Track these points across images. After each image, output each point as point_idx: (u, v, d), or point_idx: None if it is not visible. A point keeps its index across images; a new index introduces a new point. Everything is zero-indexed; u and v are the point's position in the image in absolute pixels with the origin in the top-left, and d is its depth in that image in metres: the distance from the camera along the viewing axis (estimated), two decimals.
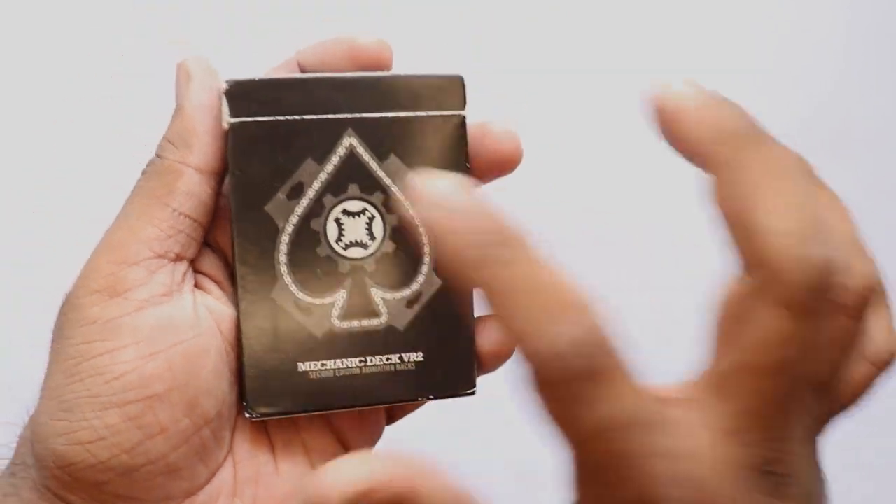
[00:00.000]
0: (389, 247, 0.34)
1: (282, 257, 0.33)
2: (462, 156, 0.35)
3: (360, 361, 0.34)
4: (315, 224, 0.33)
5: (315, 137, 0.33)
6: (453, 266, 0.23)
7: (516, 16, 0.63)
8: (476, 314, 0.35)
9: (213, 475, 0.33)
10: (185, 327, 0.31)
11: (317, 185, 0.33)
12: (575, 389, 0.25)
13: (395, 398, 0.34)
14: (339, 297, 0.34)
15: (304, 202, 0.33)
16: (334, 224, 0.33)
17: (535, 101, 0.63)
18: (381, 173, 0.34)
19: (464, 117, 0.35)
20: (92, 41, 0.57)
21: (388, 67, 0.34)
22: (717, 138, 0.25)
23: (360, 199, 0.34)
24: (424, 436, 0.45)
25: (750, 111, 0.26)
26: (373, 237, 0.34)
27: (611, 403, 0.25)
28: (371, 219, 0.34)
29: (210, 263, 0.33)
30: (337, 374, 0.34)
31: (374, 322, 0.34)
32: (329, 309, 0.34)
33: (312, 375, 0.33)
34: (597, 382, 0.24)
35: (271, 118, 0.33)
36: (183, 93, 0.33)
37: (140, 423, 0.30)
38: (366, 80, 0.34)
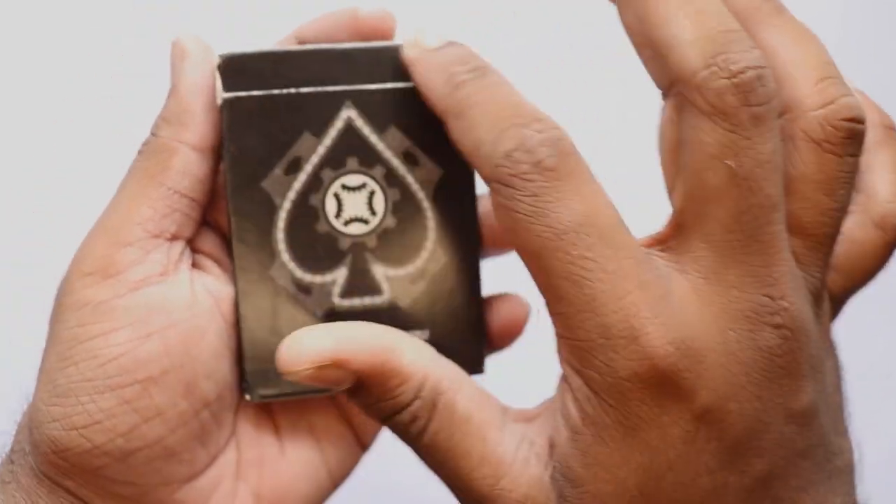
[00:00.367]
0: (391, 222, 0.33)
1: (280, 234, 0.32)
2: None
3: None
4: (314, 200, 0.33)
5: (312, 111, 0.32)
6: (430, 94, 0.28)
7: None
8: (483, 292, 0.34)
9: (214, 459, 0.32)
10: (180, 307, 0.31)
11: (315, 159, 0.33)
12: (544, 184, 0.25)
13: None
14: (340, 275, 0.33)
15: (302, 177, 0.33)
16: (333, 199, 0.33)
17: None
18: (381, 146, 0.33)
19: None
20: (92, 41, 0.57)
21: (391, 38, 0.34)
22: None
23: (360, 173, 0.33)
24: None
25: None
26: (374, 212, 0.33)
27: (584, 200, 0.25)
28: (372, 193, 0.33)
29: (209, 242, 0.33)
30: None
31: (377, 299, 0.33)
32: (330, 287, 0.33)
33: None
34: (567, 180, 0.25)
35: (266, 92, 0.32)
36: (177, 71, 0.32)
37: (136, 407, 0.30)
38: (363, 51, 0.33)
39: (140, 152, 0.32)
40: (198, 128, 0.32)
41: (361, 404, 0.29)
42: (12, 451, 0.32)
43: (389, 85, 0.33)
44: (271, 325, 0.32)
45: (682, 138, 0.26)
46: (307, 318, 0.33)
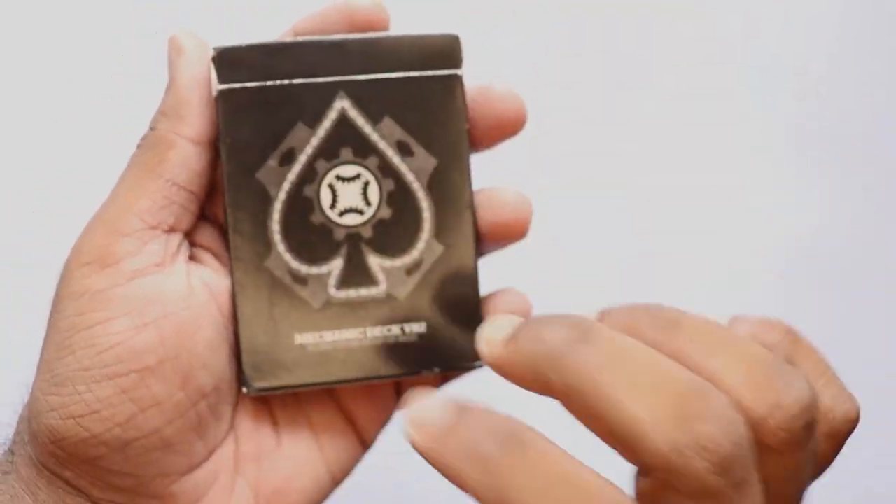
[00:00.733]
0: (386, 212, 0.33)
1: (275, 225, 0.32)
2: (460, 116, 0.34)
3: (360, 332, 0.33)
4: (308, 190, 0.33)
5: (305, 101, 0.32)
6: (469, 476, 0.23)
7: None
8: (481, 285, 0.34)
9: (212, 452, 0.32)
10: (176, 298, 0.31)
11: (309, 150, 0.33)
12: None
13: (397, 371, 0.33)
14: (336, 266, 0.33)
15: (296, 168, 0.33)
16: (328, 190, 0.33)
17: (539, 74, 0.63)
18: (375, 137, 0.33)
19: (461, 76, 0.34)
20: (92, 41, 0.57)
21: (385, 30, 0.34)
22: (541, 368, 0.24)
23: (354, 163, 0.33)
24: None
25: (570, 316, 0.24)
26: (368, 203, 0.33)
27: None
28: (366, 184, 0.33)
29: (208, 236, 0.33)
30: (336, 346, 0.33)
31: (373, 291, 0.33)
32: (326, 278, 0.33)
33: (310, 348, 0.33)
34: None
35: (260, 84, 0.32)
36: (174, 67, 0.33)
37: (133, 396, 0.30)
38: (356, 42, 0.33)
39: (138, 146, 0.32)
40: (195, 120, 0.32)
41: None
42: (13, 442, 0.33)
43: (383, 75, 0.33)
44: (268, 316, 0.32)
45: None
46: (303, 310, 0.33)
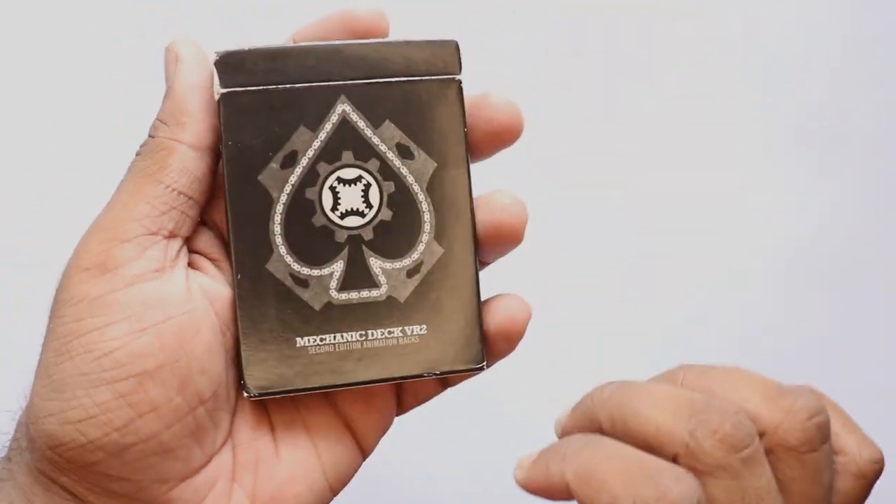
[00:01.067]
0: (387, 214, 0.33)
1: (276, 228, 0.33)
2: (459, 120, 0.34)
3: (361, 335, 0.33)
4: (310, 193, 0.33)
5: (307, 105, 0.33)
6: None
7: None
8: (481, 287, 0.34)
9: (210, 458, 0.32)
10: (175, 303, 0.31)
11: (310, 153, 0.33)
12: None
13: (398, 374, 0.33)
14: (337, 268, 0.33)
15: (298, 171, 0.33)
16: (329, 192, 0.33)
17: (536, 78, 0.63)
18: (375, 140, 0.33)
19: (459, 81, 0.34)
20: (92, 41, 0.57)
21: (385, 37, 0.34)
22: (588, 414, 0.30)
23: (355, 166, 0.33)
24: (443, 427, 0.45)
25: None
26: (369, 205, 0.33)
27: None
28: (367, 186, 0.33)
29: (206, 242, 0.33)
30: (337, 349, 0.33)
31: (374, 293, 0.33)
32: (327, 280, 0.33)
33: (311, 350, 0.33)
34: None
35: (262, 87, 0.32)
36: (172, 74, 0.33)
37: (131, 401, 0.30)
38: (357, 47, 0.33)
39: (138, 153, 0.32)
40: (195, 126, 0.32)
41: None
42: (10, 448, 0.33)
43: (383, 80, 0.33)
44: (269, 319, 0.32)
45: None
46: (305, 312, 0.33)
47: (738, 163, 0.66)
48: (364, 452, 0.35)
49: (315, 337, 0.33)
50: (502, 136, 0.34)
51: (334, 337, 0.33)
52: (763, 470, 0.28)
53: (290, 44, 0.34)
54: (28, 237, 0.56)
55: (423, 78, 0.34)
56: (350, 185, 0.33)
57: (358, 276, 0.33)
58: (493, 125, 0.34)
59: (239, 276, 0.32)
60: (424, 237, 0.34)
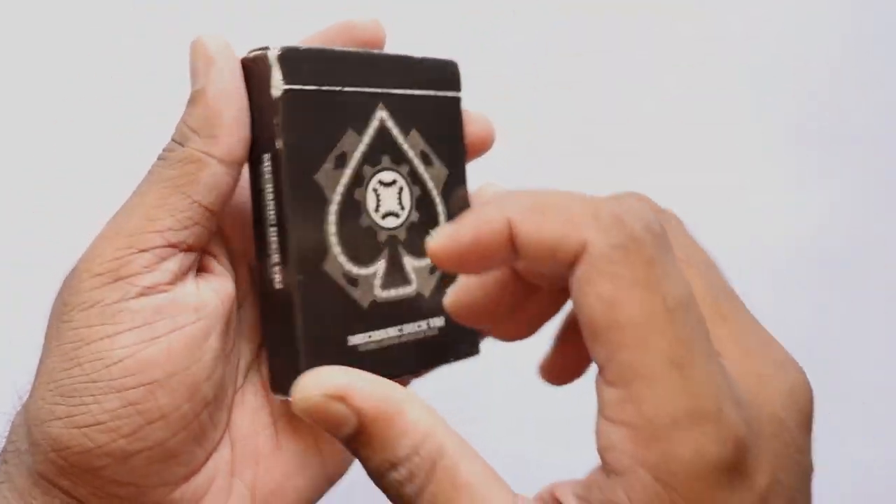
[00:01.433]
0: (415, 216, 0.35)
1: (331, 228, 0.33)
2: (461, 133, 0.37)
3: (398, 330, 0.34)
4: (358, 194, 0.34)
5: (355, 109, 0.34)
6: None
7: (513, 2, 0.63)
8: None
9: (209, 457, 0.32)
10: (186, 312, 0.31)
11: (357, 155, 0.34)
12: (660, 256, 0.24)
13: (424, 365, 0.35)
14: (380, 267, 0.34)
15: (348, 172, 0.33)
16: (373, 194, 0.34)
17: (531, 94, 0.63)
18: (406, 146, 0.35)
19: (460, 99, 0.37)
20: (92, 41, 0.57)
21: (382, 44, 0.36)
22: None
23: (392, 169, 0.35)
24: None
25: None
26: (402, 207, 0.35)
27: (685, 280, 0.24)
28: (401, 189, 0.35)
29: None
30: (380, 345, 0.34)
31: (407, 290, 0.35)
32: (372, 279, 0.34)
33: (361, 348, 0.33)
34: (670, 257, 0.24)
35: (318, 87, 0.33)
36: (203, 76, 0.31)
37: (140, 409, 0.30)
38: (391, 58, 0.35)
39: (164, 159, 0.31)
40: (228, 139, 0.31)
41: (358, 454, 0.27)
42: (5, 451, 0.32)
43: (414, 91, 0.35)
44: (326, 319, 0.33)
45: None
46: (354, 311, 0.33)
47: (738, 163, 0.66)
48: None
49: (363, 335, 0.34)
50: (479, 147, 0.38)
51: (378, 333, 0.34)
52: (673, 258, 0.25)
53: (339, 47, 0.34)
54: (28, 237, 0.56)
55: (438, 93, 0.36)
56: (388, 188, 0.35)
57: (396, 274, 0.35)
58: (472, 137, 0.38)
59: (301, 277, 0.32)
60: None
